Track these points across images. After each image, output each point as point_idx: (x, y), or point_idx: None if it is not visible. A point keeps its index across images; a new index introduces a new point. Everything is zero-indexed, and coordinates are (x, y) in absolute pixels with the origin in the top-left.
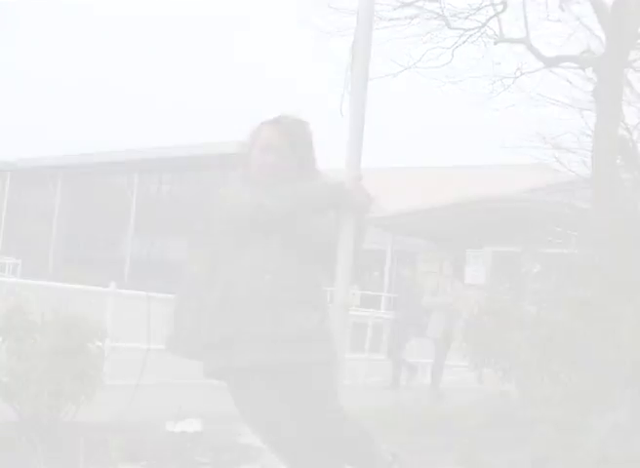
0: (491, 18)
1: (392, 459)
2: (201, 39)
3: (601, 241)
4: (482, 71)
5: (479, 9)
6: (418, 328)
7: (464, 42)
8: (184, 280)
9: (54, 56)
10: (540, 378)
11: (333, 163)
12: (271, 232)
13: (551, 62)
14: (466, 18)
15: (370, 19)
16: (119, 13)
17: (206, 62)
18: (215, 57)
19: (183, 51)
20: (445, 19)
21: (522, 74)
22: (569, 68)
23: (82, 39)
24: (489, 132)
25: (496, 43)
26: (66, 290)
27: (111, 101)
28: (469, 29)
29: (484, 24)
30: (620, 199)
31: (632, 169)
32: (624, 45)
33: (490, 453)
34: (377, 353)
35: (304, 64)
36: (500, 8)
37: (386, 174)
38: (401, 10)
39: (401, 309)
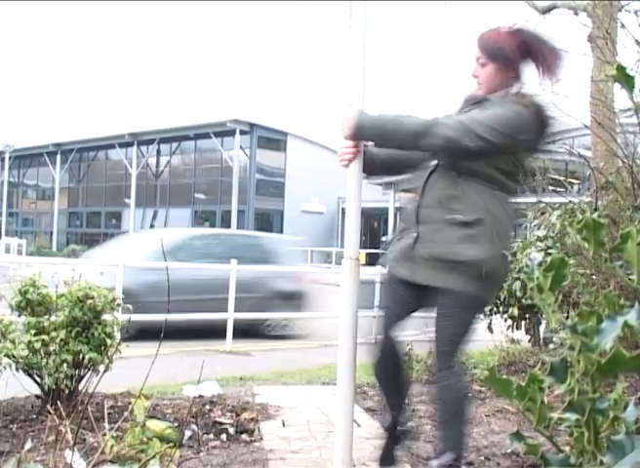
0: None
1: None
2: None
3: (601, 187)
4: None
5: None
6: None
7: None
8: None
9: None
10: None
11: None
12: None
13: (545, 10)
14: None
15: None
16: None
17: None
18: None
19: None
20: None
21: (515, 24)
22: (562, 15)
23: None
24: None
25: None
26: (74, 264)
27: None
28: None
29: None
30: (619, 144)
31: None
32: None
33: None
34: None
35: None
36: None
37: None
38: None
39: None
